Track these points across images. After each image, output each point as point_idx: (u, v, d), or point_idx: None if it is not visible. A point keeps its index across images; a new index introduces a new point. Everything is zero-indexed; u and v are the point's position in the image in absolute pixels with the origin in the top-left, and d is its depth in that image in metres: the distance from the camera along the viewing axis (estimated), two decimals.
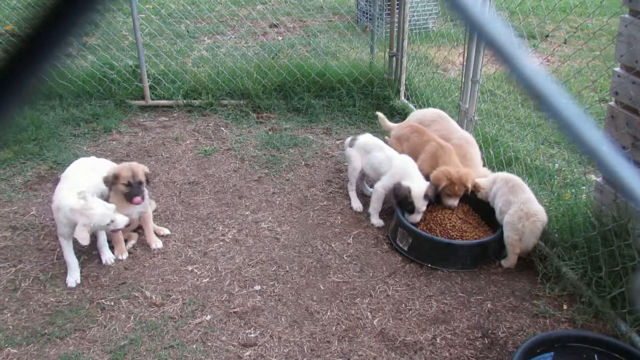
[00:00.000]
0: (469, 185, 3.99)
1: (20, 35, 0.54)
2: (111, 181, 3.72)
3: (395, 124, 4.87)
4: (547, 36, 7.80)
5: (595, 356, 2.90)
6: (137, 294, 3.49)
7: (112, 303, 3.42)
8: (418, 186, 3.92)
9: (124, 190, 3.73)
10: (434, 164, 4.18)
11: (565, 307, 3.38)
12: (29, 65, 0.54)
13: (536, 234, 3.65)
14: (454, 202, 4.08)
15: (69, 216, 3.46)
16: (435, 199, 4.04)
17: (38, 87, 0.55)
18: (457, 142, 4.35)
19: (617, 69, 3.38)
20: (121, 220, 3.55)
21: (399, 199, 3.96)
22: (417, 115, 4.79)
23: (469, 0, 0.57)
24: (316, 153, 5.25)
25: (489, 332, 3.23)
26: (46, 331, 3.18)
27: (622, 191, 0.63)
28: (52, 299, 3.43)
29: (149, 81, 6.09)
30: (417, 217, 3.95)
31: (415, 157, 4.29)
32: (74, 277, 3.60)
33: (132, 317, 3.30)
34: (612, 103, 3.46)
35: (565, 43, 7.69)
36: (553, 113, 0.61)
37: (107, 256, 3.77)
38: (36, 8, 0.53)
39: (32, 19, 0.53)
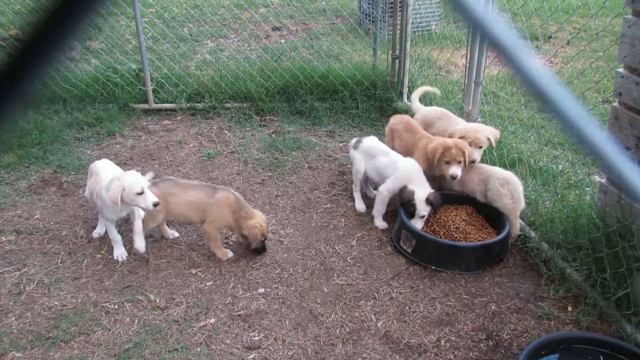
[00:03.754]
0: (466, 151, 3.98)
1: (22, 39, 0.54)
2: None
3: (424, 107, 4.87)
4: (550, 37, 7.80)
5: (601, 358, 2.89)
6: (141, 298, 3.49)
7: (116, 306, 3.42)
8: (422, 190, 3.93)
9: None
10: (427, 158, 4.19)
11: (569, 308, 3.37)
12: (31, 69, 0.55)
13: (520, 190, 3.92)
14: (456, 169, 3.96)
15: (110, 186, 3.59)
16: (440, 204, 4.03)
17: (41, 91, 0.56)
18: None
19: (621, 69, 3.37)
20: (151, 197, 3.57)
21: (402, 201, 3.97)
22: (422, 112, 4.79)
23: (472, 1, 0.57)
24: (319, 156, 5.26)
25: (494, 334, 3.22)
26: (51, 335, 3.19)
27: (627, 192, 0.62)
28: (56, 303, 3.43)
29: (152, 85, 6.10)
30: (418, 223, 3.93)
31: (408, 155, 4.28)
32: (120, 251, 3.84)
33: (136, 321, 3.31)
34: (615, 104, 3.45)
35: (568, 44, 7.69)
36: (557, 113, 0.60)
37: (139, 245, 3.78)
38: (39, 12, 0.53)
39: (34, 22, 0.53)
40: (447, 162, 4.00)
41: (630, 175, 0.62)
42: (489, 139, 4.04)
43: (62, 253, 3.88)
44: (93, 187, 3.83)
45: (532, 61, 0.59)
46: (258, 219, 3.76)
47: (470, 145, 4.03)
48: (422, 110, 4.81)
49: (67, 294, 3.51)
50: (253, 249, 3.82)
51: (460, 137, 4.04)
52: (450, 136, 4.09)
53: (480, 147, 4.05)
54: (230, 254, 3.87)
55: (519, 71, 0.59)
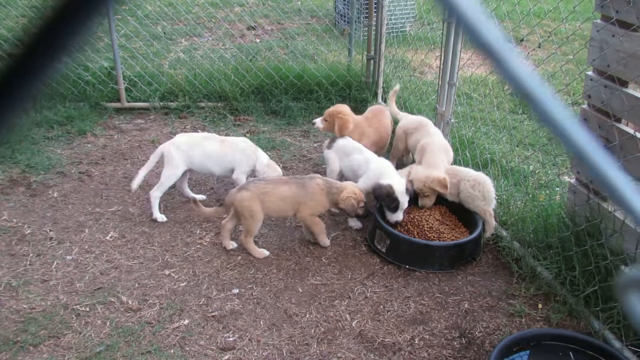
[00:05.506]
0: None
1: (25, 41, 0.53)
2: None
3: (408, 116, 4.91)
4: (522, 40, 7.93)
5: (571, 354, 2.95)
6: (113, 299, 3.44)
7: (87, 309, 3.36)
8: (398, 182, 3.93)
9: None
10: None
11: (540, 306, 3.43)
12: (35, 71, 0.54)
13: (491, 190, 3.97)
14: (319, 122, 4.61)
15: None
16: (413, 200, 4.07)
17: (43, 92, 0.55)
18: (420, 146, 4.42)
19: (590, 72, 3.45)
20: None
21: (381, 198, 3.93)
22: (404, 122, 4.77)
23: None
24: (294, 155, 5.25)
25: (467, 332, 3.26)
26: (19, 339, 3.11)
27: (608, 189, 0.64)
28: (24, 306, 3.36)
29: (124, 83, 6.02)
30: (400, 215, 3.93)
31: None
32: None
33: (108, 323, 3.26)
34: (584, 106, 3.53)
35: (539, 47, 7.82)
36: (541, 113, 0.62)
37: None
38: (44, 12, 0.53)
39: (38, 24, 0.52)
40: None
41: (612, 174, 0.64)
42: (432, 188, 4.03)
43: (30, 255, 3.80)
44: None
45: (518, 61, 0.60)
46: (349, 190, 3.86)
47: (418, 194, 4.12)
48: (405, 120, 4.79)
49: (36, 296, 3.44)
50: (355, 216, 3.96)
51: (410, 180, 4.09)
52: (408, 173, 4.16)
53: (427, 196, 4.09)
54: (327, 242, 4.00)
55: (505, 71, 0.60)
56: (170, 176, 4.26)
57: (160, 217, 4.23)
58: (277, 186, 3.86)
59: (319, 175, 4.02)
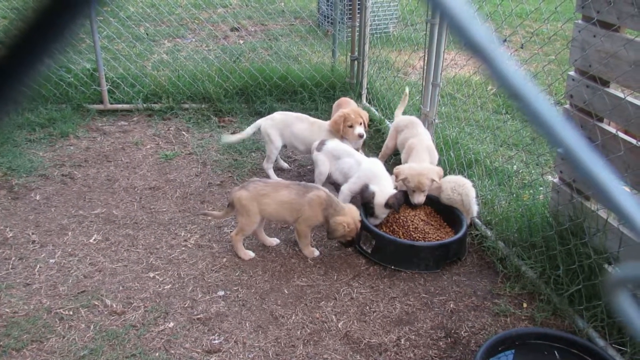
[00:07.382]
0: (363, 113, 4.70)
1: (8, 43, 0.52)
2: None
3: (400, 116, 4.97)
4: (505, 41, 7.99)
5: (555, 352, 2.97)
6: (97, 303, 3.40)
7: (71, 312, 3.32)
8: (382, 194, 3.95)
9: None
10: (334, 130, 4.72)
11: (525, 305, 3.46)
12: (18, 72, 0.53)
13: (471, 195, 4.02)
14: (360, 129, 4.60)
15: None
16: (401, 204, 4.06)
17: (26, 94, 0.54)
18: (407, 145, 4.49)
19: (572, 72, 3.49)
20: None
21: (363, 201, 4.00)
22: (396, 120, 4.89)
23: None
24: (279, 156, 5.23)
25: (452, 331, 3.28)
26: (1, 343, 3.07)
27: (594, 188, 0.64)
28: (7, 310, 3.31)
29: (107, 85, 5.96)
30: (374, 221, 4.01)
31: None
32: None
33: (92, 327, 3.22)
34: (567, 106, 3.56)
35: (522, 48, 7.89)
36: (530, 113, 0.62)
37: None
38: (28, 15, 0.52)
39: (22, 26, 0.51)
40: (351, 126, 4.61)
41: (597, 172, 0.64)
42: (433, 180, 4.06)
43: (13, 258, 3.75)
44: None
45: (506, 61, 0.60)
46: (346, 218, 3.74)
47: (414, 191, 4.07)
48: (397, 119, 4.89)
49: (18, 300, 3.39)
50: (333, 238, 3.86)
51: (403, 179, 4.07)
52: (397, 175, 4.13)
53: (424, 191, 4.09)
54: (316, 252, 3.91)
55: (491, 69, 0.60)
56: (272, 150, 4.79)
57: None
58: (276, 190, 3.81)
59: (324, 189, 3.94)
